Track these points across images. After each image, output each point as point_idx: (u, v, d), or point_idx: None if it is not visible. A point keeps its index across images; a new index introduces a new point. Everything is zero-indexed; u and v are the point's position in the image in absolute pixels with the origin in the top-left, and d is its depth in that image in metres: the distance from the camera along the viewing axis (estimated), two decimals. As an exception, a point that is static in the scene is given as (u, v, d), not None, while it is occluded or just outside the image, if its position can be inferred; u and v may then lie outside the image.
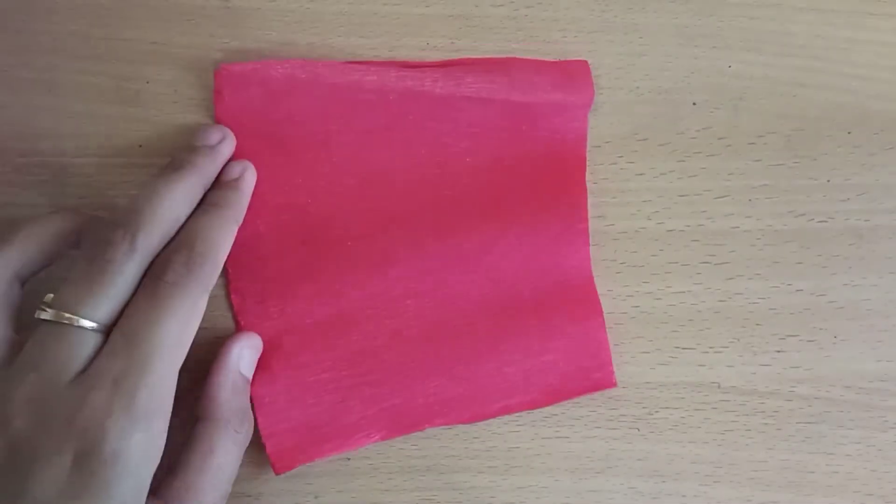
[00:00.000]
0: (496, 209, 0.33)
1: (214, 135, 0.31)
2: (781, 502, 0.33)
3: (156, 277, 0.27)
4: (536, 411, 0.33)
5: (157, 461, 0.26)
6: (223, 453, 0.29)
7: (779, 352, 0.34)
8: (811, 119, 0.35)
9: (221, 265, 0.29)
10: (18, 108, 0.33)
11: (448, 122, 0.33)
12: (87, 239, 0.28)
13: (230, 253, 0.31)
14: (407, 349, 0.33)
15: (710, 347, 0.34)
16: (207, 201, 0.30)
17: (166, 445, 0.27)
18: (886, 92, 0.35)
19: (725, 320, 0.34)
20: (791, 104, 0.35)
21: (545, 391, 0.33)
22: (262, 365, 0.32)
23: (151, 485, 0.26)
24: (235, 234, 0.30)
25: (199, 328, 0.28)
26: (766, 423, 0.34)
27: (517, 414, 0.33)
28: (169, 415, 0.26)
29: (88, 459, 0.24)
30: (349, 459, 0.33)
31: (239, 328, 0.33)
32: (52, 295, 0.27)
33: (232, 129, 0.32)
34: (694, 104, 0.34)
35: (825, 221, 0.34)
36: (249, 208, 0.32)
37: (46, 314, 0.26)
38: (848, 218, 0.34)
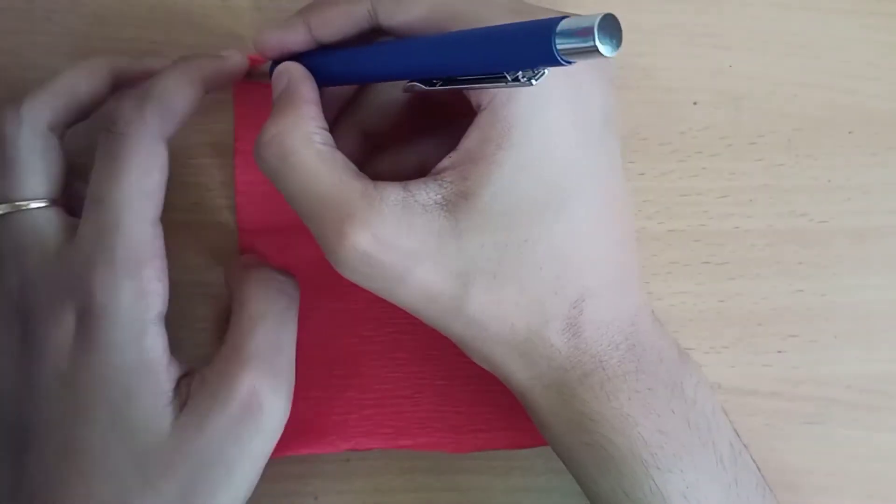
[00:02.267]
0: None
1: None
2: (782, 503, 0.33)
3: (107, 130, 0.27)
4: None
5: (155, 310, 0.27)
6: (257, 302, 0.28)
7: (780, 352, 0.34)
8: (812, 119, 0.35)
9: (179, 116, 0.28)
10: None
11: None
12: None
13: (244, 238, 0.32)
14: (402, 360, 0.33)
15: (711, 347, 0.34)
16: (178, 58, 0.30)
17: None
18: (887, 92, 0.35)
19: (726, 320, 0.34)
20: (792, 104, 0.34)
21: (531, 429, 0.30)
22: None
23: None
24: (201, 93, 0.29)
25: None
26: (766, 424, 0.34)
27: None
28: (158, 262, 0.27)
29: (84, 315, 0.26)
30: (348, 460, 0.33)
31: None
32: None
33: (252, 119, 0.32)
34: (695, 103, 0.34)
35: (826, 221, 0.34)
36: (261, 202, 0.32)
37: None
38: (849, 218, 0.34)
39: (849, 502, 0.34)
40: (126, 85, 0.30)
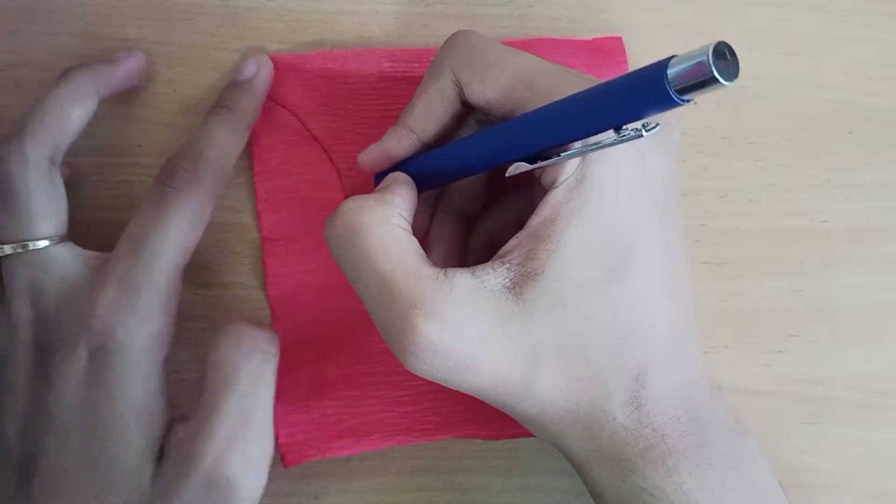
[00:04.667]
0: None
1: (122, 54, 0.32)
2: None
3: (162, 183, 0.28)
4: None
5: (163, 353, 0.28)
6: (230, 366, 0.27)
7: (780, 352, 0.34)
8: (812, 118, 0.35)
9: (230, 170, 0.30)
10: (18, 109, 0.32)
11: None
12: None
13: (268, 246, 0.32)
14: None
15: (712, 347, 0.34)
16: (219, 104, 0.31)
17: None
18: (887, 92, 0.35)
19: (727, 320, 0.34)
20: (792, 103, 0.34)
21: None
22: (289, 355, 0.32)
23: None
24: (247, 137, 0.31)
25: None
26: (767, 424, 0.34)
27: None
28: (174, 312, 0.28)
29: (100, 353, 0.26)
30: (349, 460, 0.33)
31: (273, 318, 0.33)
32: None
33: (269, 124, 0.32)
34: (695, 103, 0.34)
35: (826, 221, 0.34)
36: (285, 204, 0.32)
37: (2, 250, 0.28)
38: (849, 218, 0.34)
39: (849, 502, 0.34)
40: (110, 93, 0.31)
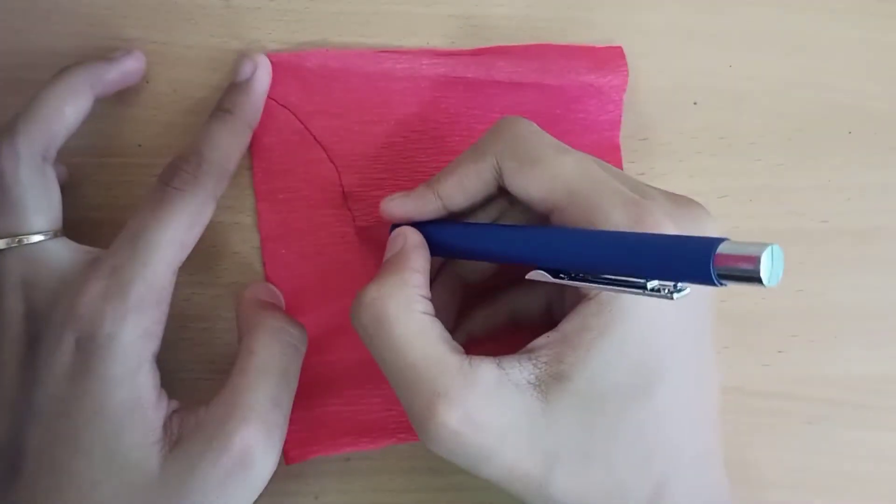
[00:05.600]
0: None
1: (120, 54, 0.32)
2: (781, 502, 0.33)
3: (164, 183, 0.28)
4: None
5: (153, 350, 0.27)
6: (265, 353, 0.28)
7: (780, 352, 0.34)
8: (812, 119, 0.35)
9: (231, 172, 0.30)
10: (19, 109, 0.33)
11: (481, 107, 0.33)
12: None
13: (267, 247, 0.32)
14: None
15: (711, 347, 0.34)
16: (219, 107, 0.31)
17: None
18: (887, 92, 0.35)
19: (727, 321, 0.34)
20: (792, 104, 0.35)
21: None
22: None
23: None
24: (249, 138, 0.31)
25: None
26: (767, 424, 0.34)
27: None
28: (165, 309, 0.28)
29: (87, 342, 0.26)
30: (349, 460, 0.33)
31: None
32: None
33: (269, 123, 0.32)
34: (695, 104, 0.34)
35: (826, 221, 0.34)
36: (286, 203, 0.32)
37: None
38: (849, 218, 0.34)
39: (849, 502, 0.34)
40: (106, 92, 0.31)
